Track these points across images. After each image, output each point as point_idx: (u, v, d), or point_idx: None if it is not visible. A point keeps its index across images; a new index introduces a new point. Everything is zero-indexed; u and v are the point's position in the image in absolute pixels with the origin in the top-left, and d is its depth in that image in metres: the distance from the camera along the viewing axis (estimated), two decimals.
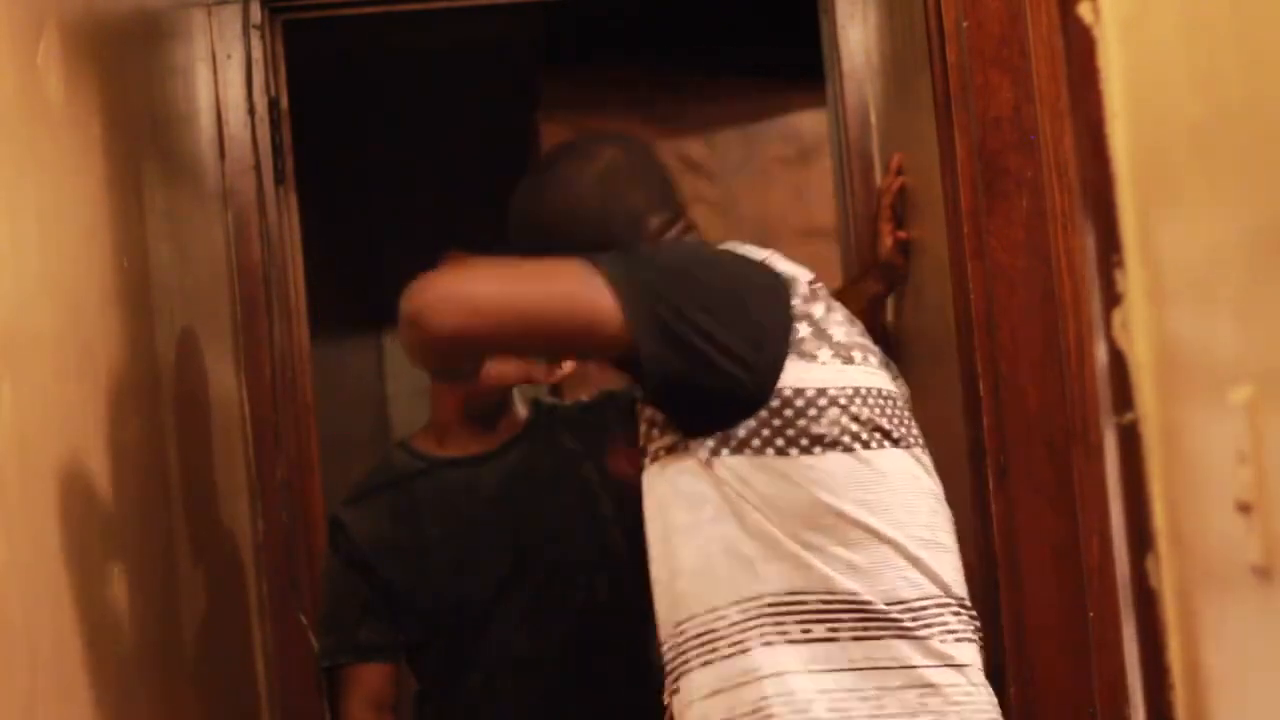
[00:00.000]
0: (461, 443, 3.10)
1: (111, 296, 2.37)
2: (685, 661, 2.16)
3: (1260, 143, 1.32)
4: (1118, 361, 1.61)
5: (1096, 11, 1.61)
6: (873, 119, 3.36)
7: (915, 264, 2.88)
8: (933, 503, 2.24)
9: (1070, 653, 2.45)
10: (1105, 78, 1.61)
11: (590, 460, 3.05)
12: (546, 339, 2.24)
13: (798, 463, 2.14)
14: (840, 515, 2.14)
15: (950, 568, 2.22)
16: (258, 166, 3.34)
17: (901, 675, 2.13)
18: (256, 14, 3.35)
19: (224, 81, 3.32)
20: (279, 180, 3.37)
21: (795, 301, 2.20)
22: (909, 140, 2.89)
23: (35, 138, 2.08)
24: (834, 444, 2.15)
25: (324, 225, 4.20)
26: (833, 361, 2.19)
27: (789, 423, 2.14)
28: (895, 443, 2.21)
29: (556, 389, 5.13)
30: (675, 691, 2.18)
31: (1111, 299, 1.60)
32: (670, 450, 2.19)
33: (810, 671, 2.11)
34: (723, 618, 2.14)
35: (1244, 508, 1.40)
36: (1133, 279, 1.59)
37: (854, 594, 2.13)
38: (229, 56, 3.33)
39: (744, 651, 2.13)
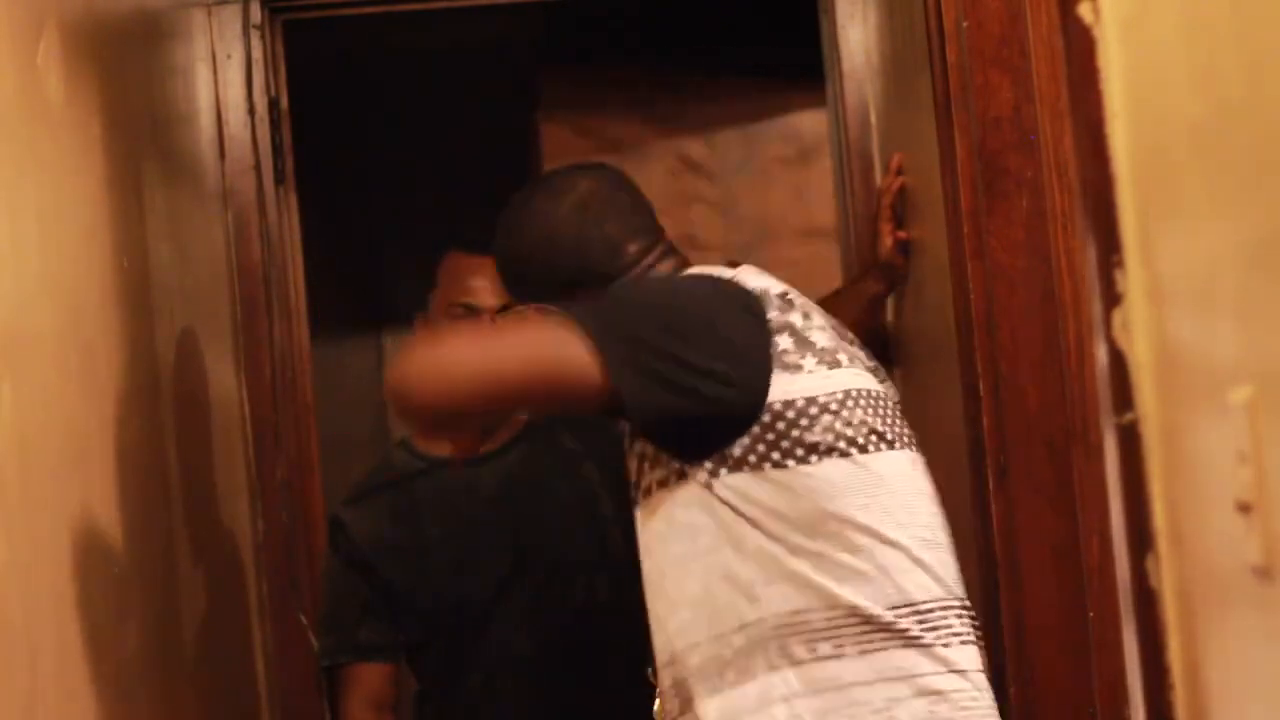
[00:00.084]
0: None
1: (111, 296, 2.37)
2: (690, 690, 2.17)
3: (1260, 143, 1.32)
4: (1118, 362, 1.61)
5: (1096, 11, 1.61)
6: (873, 119, 3.36)
7: (915, 264, 2.88)
8: (930, 503, 2.24)
9: (1070, 653, 2.44)
10: (1105, 78, 1.61)
11: (590, 460, 3.06)
12: (530, 400, 2.27)
13: (796, 473, 2.15)
14: (843, 521, 2.14)
15: (951, 567, 2.23)
16: (258, 166, 3.34)
17: (909, 685, 2.13)
18: (256, 14, 3.35)
19: (224, 81, 3.32)
20: (279, 180, 3.37)
21: (770, 314, 2.20)
22: (909, 140, 2.89)
23: (35, 138, 2.08)
24: (830, 450, 2.16)
25: (324, 225, 4.20)
26: (819, 368, 2.19)
27: (783, 435, 2.15)
28: (890, 444, 2.21)
29: None
30: None
31: (1111, 299, 1.60)
32: (663, 484, 2.20)
33: (819, 691, 2.12)
34: (728, 645, 2.15)
35: (1244, 508, 1.40)
36: (1133, 279, 1.59)
37: (856, 607, 2.13)
38: (229, 56, 3.33)
39: (751, 677, 2.13)
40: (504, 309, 3.08)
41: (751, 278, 2.26)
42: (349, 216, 5.56)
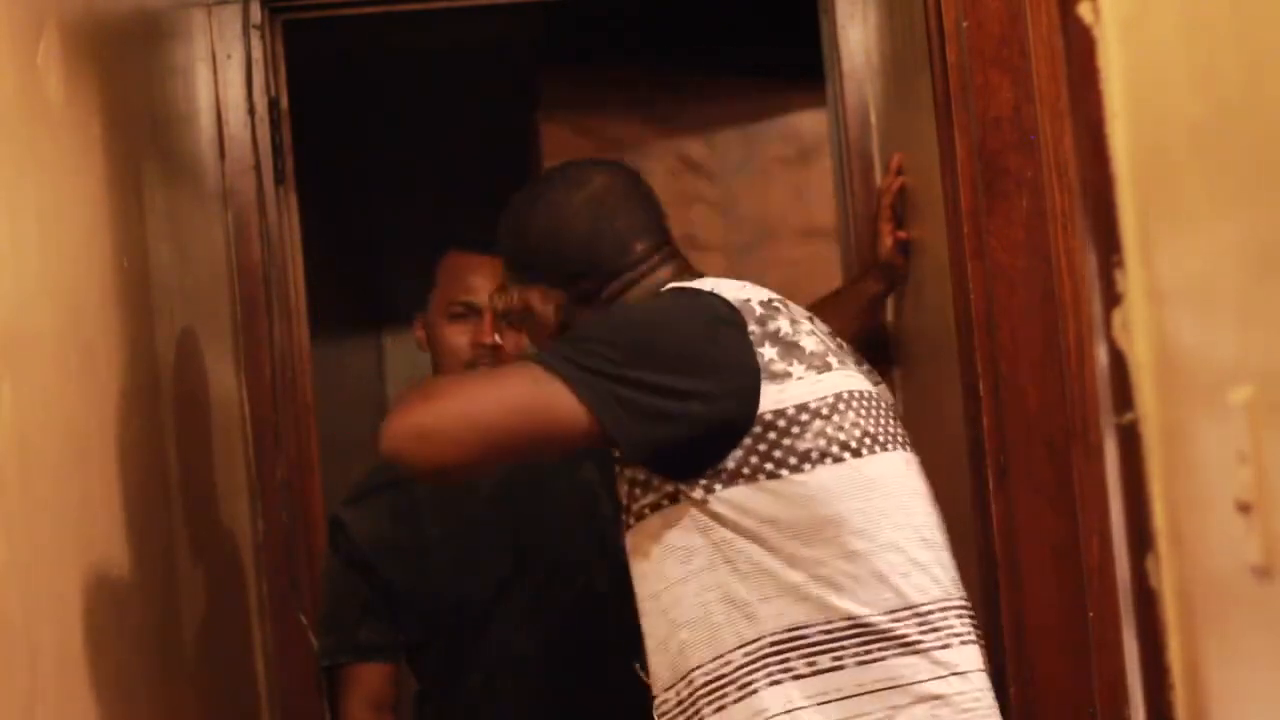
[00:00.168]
0: None
1: (111, 296, 2.37)
2: (697, 710, 2.17)
3: (1260, 143, 1.32)
4: (1118, 362, 1.61)
5: (1096, 11, 1.61)
6: (873, 119, 3.36)
7: (915, 264, 2.88)
8: (925, 503, 2.24)
9: (1070, 653, 2.44)
10: (1105, 78, 1.61)
11: (590, 460, 3.05)
12: (522, 452, 2.27)
13: (790, 481, 2.15)
14: (839, 526, 2.14)
15: (950, 567, 2.23)
16: (258, 166, 3.34)
17: (910, 692, 2.13)
18: (256, 14, 3.35)
19: (224, 81, 3.32)
20: (279, 180, 3.37)
21: (751, 326, 2.20)
22: (909, 140, 2.89)
23: (35, 138, 2.08)
24: (823, 456, 2.16)
25: (324, 225, 4.20)
26: (808, 374, 2.19)
27: (775, 444, 2.15)
28: (883, 446, 2.21)
29: None
30: None
31: (1111, 299, 1.60)
32: (655, 507, 2.21)
33: (820, 704, 2.12)
34: (728, 663, 2.15)
35: (1244, 508, 1.40)
36: (1133, 279, 1.59)
37: (855, 617, 2.13)
38: (229, 56, 3.33)
39: (753, 693, 2.14)
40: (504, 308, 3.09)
41: (731, 289, 2.26)
42: (349, 216, 5.57)
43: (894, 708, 2.12)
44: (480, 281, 3.10)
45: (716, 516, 2.16)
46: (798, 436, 2.15)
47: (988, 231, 2.51)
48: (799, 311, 2.30)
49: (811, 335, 2.24)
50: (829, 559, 2.14)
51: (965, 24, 2.51)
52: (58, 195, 2.15)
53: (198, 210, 3.15)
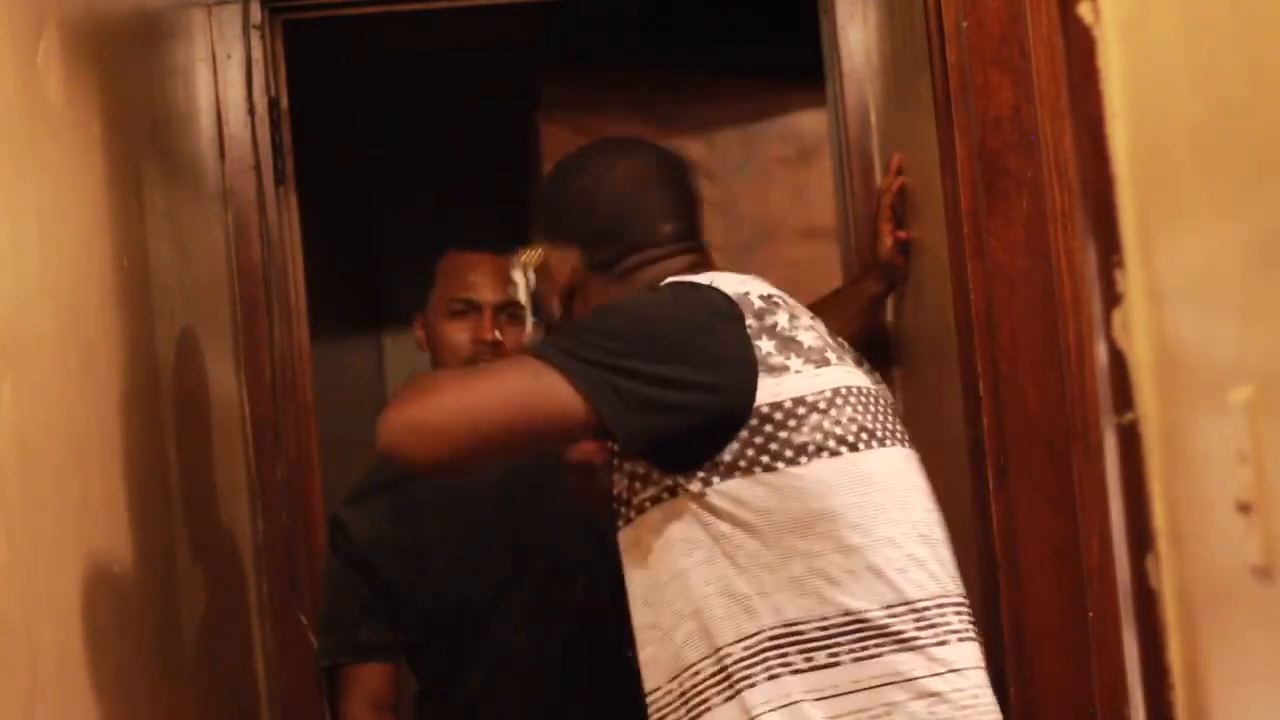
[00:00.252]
0: None
1: (111, 296, 2.37)
2: (704, 701, 2.17)
3: (1260, 143, 1.32)
4: (1118, 361, 1.61)
5: (1096, 11, 1.61)
6: (873, 119, 3.36)
7: (915, 264, 2.88)
8: (924, 499, 2.24)
9: (1070, 653, 2.44)
10: (1105, 78, 1.61)
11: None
12: (520, 446, 2.27)
13: (787, 474, 2.15)
14: (836, 520, 2.14)
15: (948, 563, 2.23)
16: (258, 166, 3.34)
17: (907, 689, 2.13)
18: (256, 14, 3.35)
19: (224, 81, 3.32)
20: (279, 180, 3.37)
21: (750, 321, 2.20)
22: (909, 140, 2.89)
23: (35, 138, 2.08)
24: (820, 450, 2.16)
25: (324, 225, 4.20)
26: (806, 368, 2.19)
27: (771, 437, 2.15)
28: (881, 441, 2.21)
29: None
30: None
31: (1111, 299, 1.60)
32: (655, 501, 2.21)
33: (817, 700, 2.12)
34: (728, 655, 2.15)
35: (1244, 508, 1.40)
36: (1133, 279, 1.59)
37: (851, 611, 2.13)
38: (229, 56, 3.33)
39: (751, 687, 2.14)
40: (503, 306, 3.09)
41: (729, 283, 2.26)
42: (349, 216, 5.57)
43: (891, 704, 2.13)
44: (480, 279, 3.10)
45: (714, 509, 2.16)
46: (794, 430, 2.15)
47: (988, 231, 2.51)
48: (799, 308, 2.30)
49: (810, 331, 2.24)
50: (825, 553, 2.14)
51: (965, 24, 2.51)
52: (58, 195, 2.15)
53: (198, 210, 3.15)
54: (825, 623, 2.14)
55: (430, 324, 3.13)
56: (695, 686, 2.18)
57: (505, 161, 5.59)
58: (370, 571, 3.02)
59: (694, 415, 2.16)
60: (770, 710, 2.13)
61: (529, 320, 3.15)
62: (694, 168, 2.49)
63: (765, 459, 2.15)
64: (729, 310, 2.21)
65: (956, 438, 2.59)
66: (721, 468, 2.15)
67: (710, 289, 2.24)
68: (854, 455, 2.18)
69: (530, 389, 2.17)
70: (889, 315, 3.06)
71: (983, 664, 2.22)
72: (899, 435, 2.26)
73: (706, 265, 2.37)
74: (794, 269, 4.59)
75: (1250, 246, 1.36)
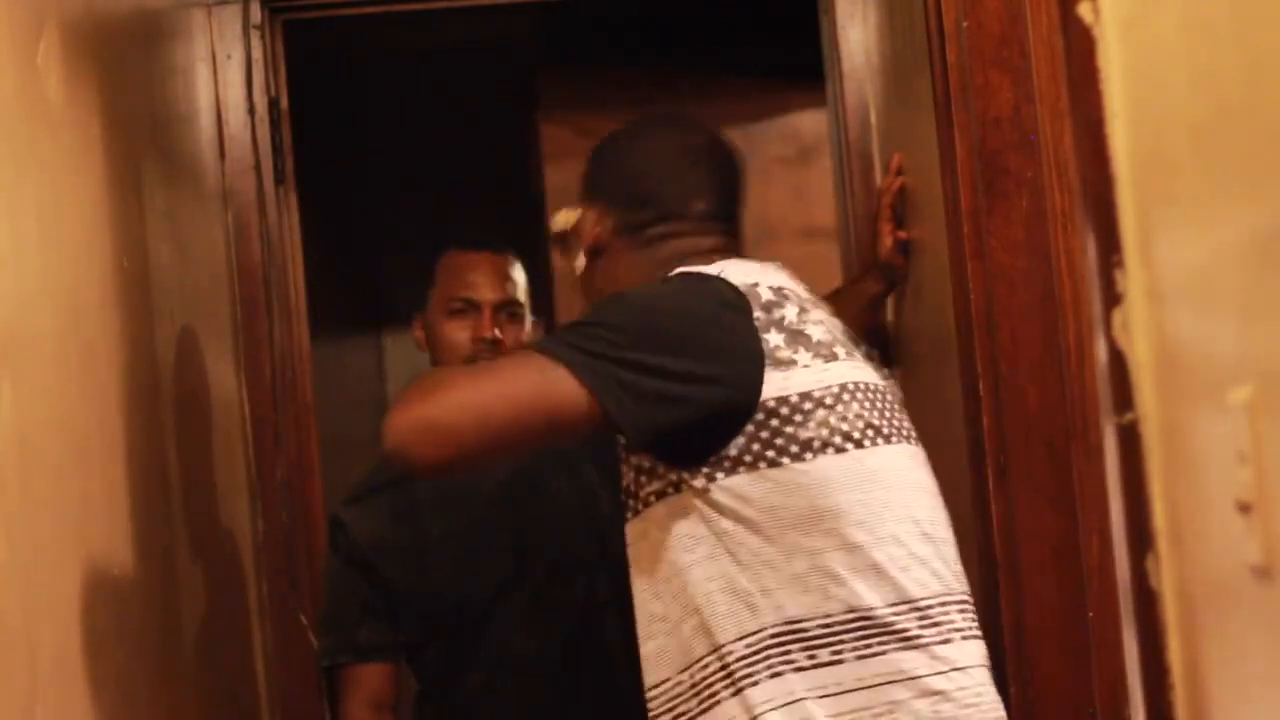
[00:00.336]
0: None
1: (111, 296, 2.37)
2: (713, 695, 2.17)
3: (1260, 143, 1.32)
4: (1118, 361, 1.61)
5: (1096, 11, 1.61)
6: (873, 119, 3.36)
7: (915, 264, 2.88)
8: (929, 497, 2.24)
9: (1070, 653, 2.44)
10: (1105, 78, 1.61)
11: (590, 460, 3.05)
12: (526, 442, 2.27)
13: (791, 470, 2.15)
14: (839, 517, 2.14)
15: (952, 561, 2.22)
16: (258, 166, 3.34)
17: (910, 687, 2.13)
18: (256, 14, 3.35)
19: (224, 81, 3.32)
20: (279, 180, 3.37)
21: (757, 314, 2.20)
22: (909, 140, 2.89)
23: (35, 138, 2.08)
24: (825, 446, 2.16)
25: (324, 225, 4.21)
26: (814, 362, 2.19)
27: (776, 432, 2.15)
28: (887, 438, 2.21)
29: None
30: None
31: (1111, 299, 1.60)
32: (660, 495, 2.21)
33: (820, 698, 2.12)
34: (730, 653, 2.15)
35: (1244, 508, 1.40)
36: (1133, 279, 1.59)
37: (854, 609, 2.13)
38: (229, 56, 3.33)
39: (754, 684, 2.14)
40: (503, 305, 3.09)
41: (738, 273, 2.25)
42: (349, 216, 5.57)
43: (894, 702, 2.12)
44: (480, 278, 3.10)
45: (718, 506, 2.16)
46: (800, 425, 2.15)
47: (988, 231, 2.51)
48: (811, 300, 2.29)
49: (819, 325, 2.24)
50: (828, 550, 2.14)
51: (965, 24, 2.51)
52: (58, 195, 2.15)
53: (198, 210, 3.15)
54: (829, 620, 2.13)
55: (430, 323, 3.13)
56: (705, 679, 2.18)
57: (505, 161, 5.59)
58: (370, 571, 3.02)
59: (700, 407, 2.15)
60: (772, 709, 2.13)
61: (528, 319, 3.15)
62: (744, 163, 2.48)
63: (770, 454, 2.15)
64: (737, 302, 2.21)
65: (956, 438, 2.59)
66: (726, 463, 2.15)
67: (719, 280, 2.24)
68: (859, 452, 2.17)
69: (536, 384, 2.17)
70: (889, 315, 3.05)
71: (987, 662, 2.23)
72: (905, 432, 2.26)
73: (732, 252, 2.37)
74: (794, 269, 4.59)
75: (1250, 246, 1.36)
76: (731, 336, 2.18)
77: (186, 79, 3.18)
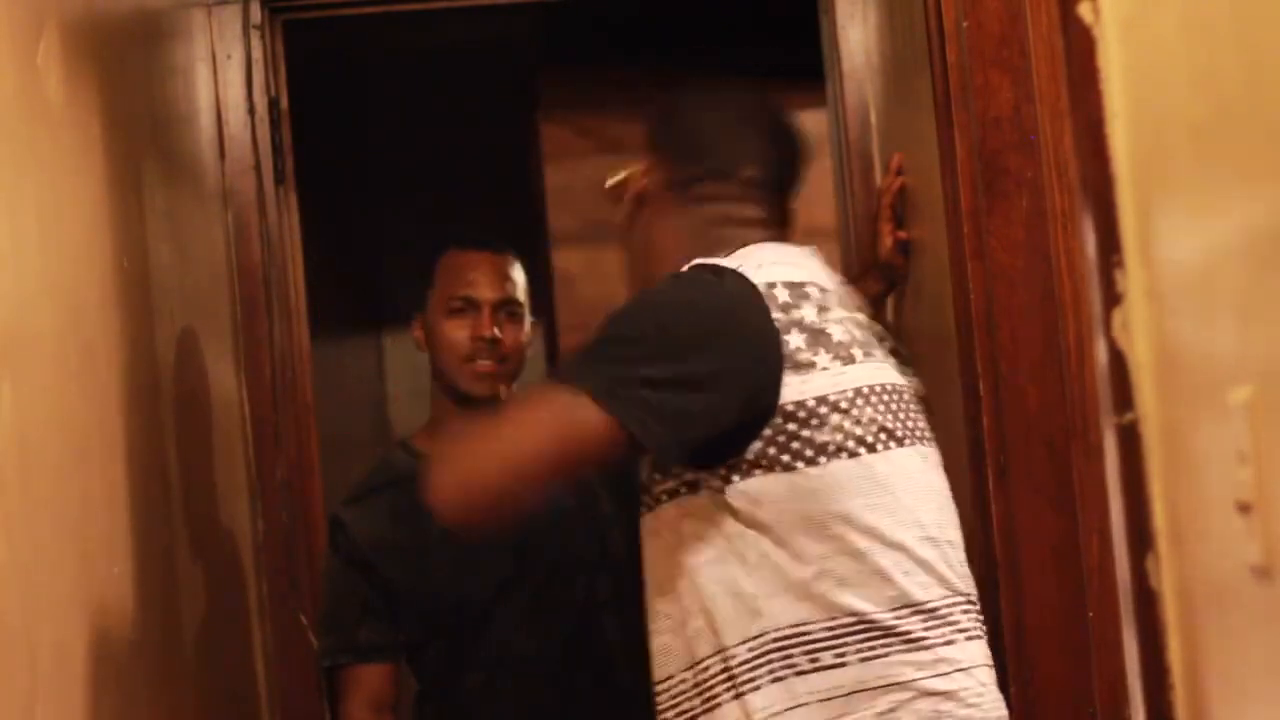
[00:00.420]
0: None
1: (111, 296, 2.37)
2: (714, 695, 2.16)
3: (1260, 143, 1.32)
4: (1118, 361, 1.61)
5: (1096, 11, 1.61)
6: (873, 119, 3.35)
7: (915, 264, 2.88)
8: (938, 499, 2.23)
9: (1070, 653, 2.44)
10: (1105, 78, 1.61)
11: None
12: (561, 479, 2.26)
13: (805, 474, 2.14)
14: (847, 523, 2.14)
15: (958, 563, 2.22)
16: (258, 166, 3.34)
17: (913, 687, 2.13)
18: (256, 14, 3.35)
19: (224, 81, 3.32)
20: (279, 180, 3.37)
21: (776, 315, 2.18)
22: (909, 140, 2.89)
23: (35, 138, 2.08)
24: (838, 451, 2.15)
25: (324, 225, 4.20)
26: (833, 364, 2.18)
27: (793, 436, 2.14)
28: (900, 441, 2.20)
29: None
30: None
31: (1111, 299, 1.60)
32: (673, 494, 2.20)
33: (823, 700, 2.12)
34: (733, 656, 2.15)
35: (1244, 508, 1.40)
36: (1133, 279, 1.59)
37: (857, 613, 2.13)
38: (229, 56, 3.33)
39: (756, 689, 2.13)
40: (502, 304, 3.09)
41: (755, 267, 2.23)
42: (349, 216, 5.57)
43: (897, 703, 2.12)
44: (479, 277, 3.10)
45: (730, 509, 2.15)
46: (816, 429, 2.14)
47: (988, 231, 2.51)
48: (832, 294, 2.27)
49: (839, 324, 2.22)
50: (834, 555, 2.13)
51: (965, 24, 2.51)
52: (58, 195, 2.15)
53: (198, 210, 3.15)
54: (833, 624, 2.13)
55: (429, 322, 3.13)
56: (706, 681, 2.18)
57: (505, 161, 5.59)
58: (370, 571, 3.02)
59: (721, 416, 2.14)
60: (769, 717, 2.12)
61: (527, 319, 3.15)
62: (808, 147, 2.47)
63: (785, 458, 2.14)
64: (755, 302, 2.18)
65: (956, 438, 2.59)
66: (743, 466, 2.15)
67: (736, 277, 2.21)
68: (871, 457, 2.17)
69: (561, 421, 2.15)
70: (889, 315, 3.05)
71: (990, 661, 2.23)
72: (919, 433, 2.24)
73: (774, 227, 2.35)
74: None
75: (1250, 246, 1.36)
76: (749, 339, 2.16)
77: (186, 79, 3.18)
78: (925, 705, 2.13)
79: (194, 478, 2.84)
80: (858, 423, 2.16)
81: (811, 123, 4.69)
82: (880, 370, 2.23)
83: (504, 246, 3.18)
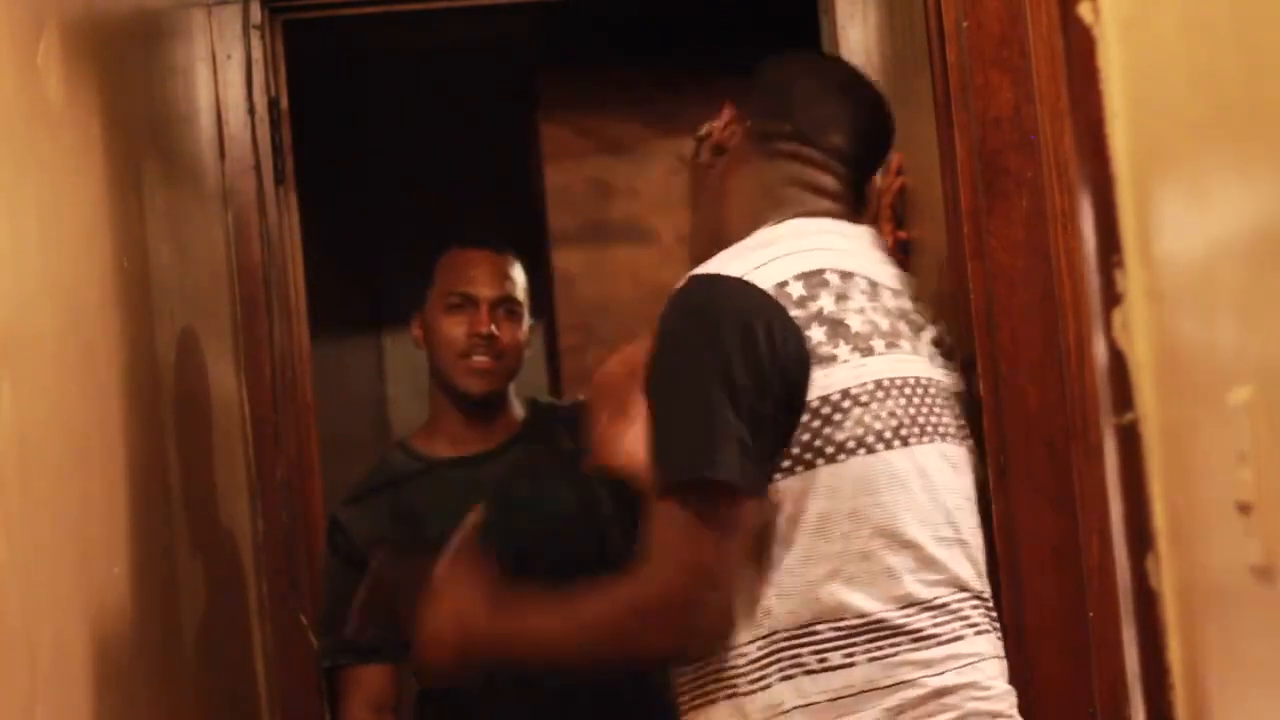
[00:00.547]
0: (460, 442, 3.11)
1: (111, 296, 2.37)
2: (708, 694, 2.15)
3: (1260, 143, 1.32)
4: (1118, 361, 1.61)
5: (1096, 11, 1.61)
6: None
7: (915, 264, 2.87)
8: (954, 498, 2.21)
9: (1070, 653, 2.44)
10: (1105, 78, 1.61)
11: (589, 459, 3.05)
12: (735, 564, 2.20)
13: (823, 472, 2.11)
14: (862, 521, 2.12)
15: (972, 562, 2.21)
16: (258, 166, 3.34)
17: (923, 685, 2.12)
18: (256, 14, 3.35)
19: (224, 81, 3.32)
20: (279, 180, 3.37)
21: (794, 312, 2.14)
22: (909, 140, 2.89)
23: (35, 138, 2.08)
24: (857, 447, 2.12)
25: (324, 225, 4.21)
26: (853, 356, 2.15)
27: (816, 433, 2.12)
28: (919, 437, 2.18)
29: (556, 388, 5.14)
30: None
31: (1111, 299, 1.60)
32: None
33: (832, 700, 2.11)
34: (743, 655, 2.14)
35: (1244, 508, 1.40)
36: (1133, 279, 1.59)
37: (866, 614, 2.12)
38: (229, 56, 3.33)
39: (765, 688, 2.12)
40: (500, 302, 3.09)
41: (768, 271, 2.17)
42: (349, 216, 5.57)
43: (907, 700, 2.11)
44: (478, 274, 3.11)
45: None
46: (838, 425, 2.12)
47: (988, 231, 2.51)
48: (858, 280, 2.23)
49: (859, 314, 2.18)
50: (846, 554, 2.11)
51: (965, 24, 2.51)
52: (58, 195, 2.15)
53: (198, 210, 3.15)
54: (840, 624, 2.12)
55: (428, 320, 3.13)
56: (718, 676, 2.16)
57: (505, 161, 5.59)
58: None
59: (779, 428, 2.12)
60: (778, 715, 2.11)
61: (526, 319, 3.15)
62: (894, 129, 2.44)
63: (808, 456, 2.12)
64: (770, 309, 2.14)
65: None
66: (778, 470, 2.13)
67: (748, 291, 2.16)
68: (888, 454, 2.14)
69: (713, 526, 2.10)
70: None
71: (1000, 654, 2.22)
72: (940, 429, 2.21)
73: (842, 203, 2.31)
74: None
75: (1251, 246, 1.36)
76: (777, 352, 2.12)
77: (186, 79, 3.18)
78: (935, 702, 2.12)
79: (194, 478, 2.84)
80: (877, 417, 2.14)
81: None
82: (903, 362, 2.20)
83: (504, 246, 3.19)
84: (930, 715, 2.12)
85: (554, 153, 5.16)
